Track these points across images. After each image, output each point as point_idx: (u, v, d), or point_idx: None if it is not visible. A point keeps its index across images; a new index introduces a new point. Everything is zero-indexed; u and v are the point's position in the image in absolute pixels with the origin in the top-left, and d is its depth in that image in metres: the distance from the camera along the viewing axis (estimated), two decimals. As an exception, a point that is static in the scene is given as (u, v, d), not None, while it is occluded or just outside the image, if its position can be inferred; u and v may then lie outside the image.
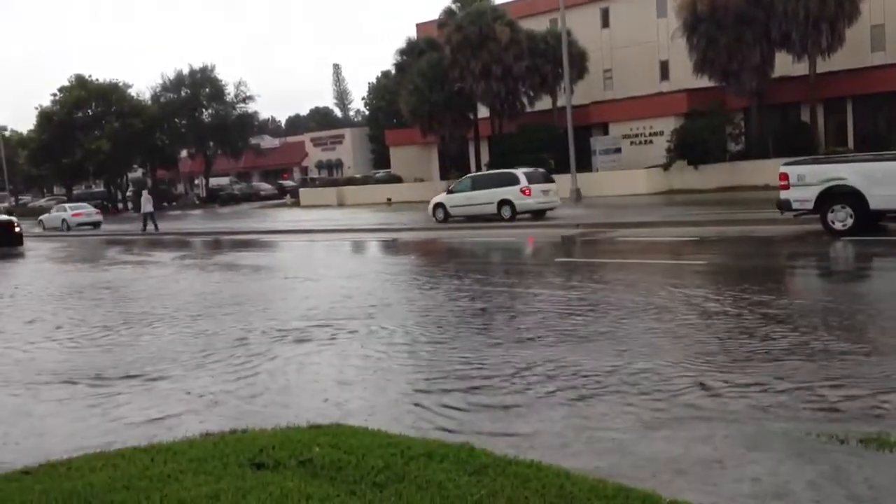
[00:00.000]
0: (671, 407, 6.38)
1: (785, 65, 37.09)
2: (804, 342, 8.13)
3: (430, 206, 29.13)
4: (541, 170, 29.36)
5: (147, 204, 37.54)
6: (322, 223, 33.48)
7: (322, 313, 11.58)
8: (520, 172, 27.37)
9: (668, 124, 39.79)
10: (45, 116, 63.28)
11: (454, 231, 26.07)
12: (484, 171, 36.39)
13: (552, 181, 28.45)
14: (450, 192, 29.21)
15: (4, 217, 32.53)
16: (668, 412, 6.27)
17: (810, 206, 16.88)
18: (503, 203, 26.68)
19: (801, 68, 36.83)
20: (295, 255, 22.97)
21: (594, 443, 5.72)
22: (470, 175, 32.21)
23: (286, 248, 25.13)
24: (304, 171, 77.77)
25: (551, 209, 27.52)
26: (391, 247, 23.54)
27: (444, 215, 28.30)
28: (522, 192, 26.52)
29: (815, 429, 5.65)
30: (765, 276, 13.02)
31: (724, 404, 6.36)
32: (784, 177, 17.31)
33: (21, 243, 29.86)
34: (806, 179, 16.88)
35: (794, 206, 17.15)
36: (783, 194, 17.36)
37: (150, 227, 36.52)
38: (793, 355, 7.66)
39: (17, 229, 29.78)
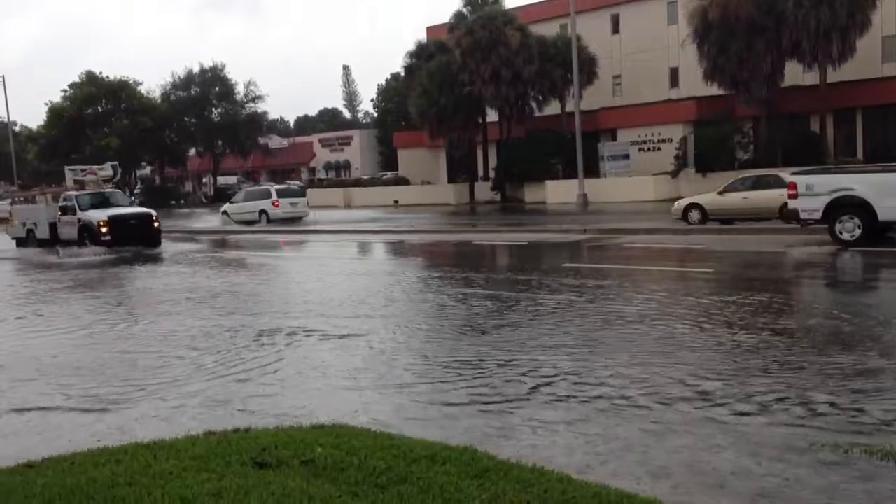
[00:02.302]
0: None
1: (795, 74, 36.98)
2: (806, 353, 8.10)
3: (220, 211, 37.61)
4: (294, 185, 39.18)
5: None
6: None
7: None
8: (273, 188, 36.49)
9: (677, 131, 39.72)
10: (55, 112, 63.49)
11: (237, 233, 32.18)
12: (253, 187, 43.17)
13: (302, 195, 37.06)
14: (231, 202, 37.80)
15: (141, 209, 27.45)
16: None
17: (818, 216, 16.84)
18: (261, 212, 34.81)
19: (812, 78, 36.72)
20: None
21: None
22: (245, 189, 41.08)
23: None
24: (312, 171, 77.87)
25: (300, 218, 34.86)
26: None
27: (228, 219, 36.58)
28: (273, 204, 34.57)
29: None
30: (771, 286, 12.96)
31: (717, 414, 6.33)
32: (793, 186, 17.27)
33: (159, 242, 25.53)
34: (814, 189, 16.84)
35: (802, 215, 17.11)
36: (791, 204, 17.32)
37: None
38: (794, 367, 7.63)
39: (155, 224, 25.68)
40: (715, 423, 6.14)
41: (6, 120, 67.19)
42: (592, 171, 38.79)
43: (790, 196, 17.32)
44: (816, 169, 19.67)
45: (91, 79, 64.44)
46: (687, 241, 20.35)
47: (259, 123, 69.05)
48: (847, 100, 36.84)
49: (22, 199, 32.76)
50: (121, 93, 63.99)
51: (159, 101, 66.18)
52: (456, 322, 10.77)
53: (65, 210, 26.12)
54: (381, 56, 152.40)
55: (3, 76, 56.94)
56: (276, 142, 78.27)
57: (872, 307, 10.94)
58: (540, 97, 44.06)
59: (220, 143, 68.04)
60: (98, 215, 25.01)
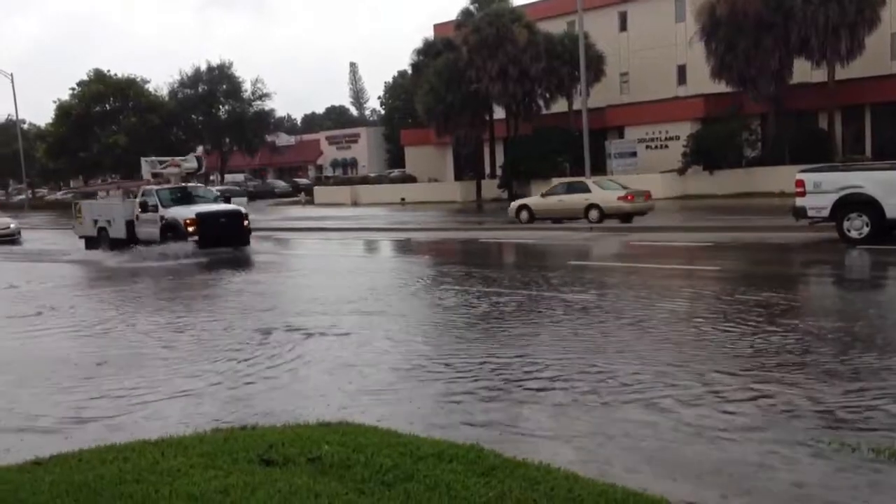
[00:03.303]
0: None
1: (803, 71, 36.84)
2: (819, 351, 8.08)
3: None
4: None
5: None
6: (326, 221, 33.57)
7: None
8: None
9: (685, 129, 39.62)
10: (63, 110, 63.65)
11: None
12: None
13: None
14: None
15: (230, 206, 24.39)
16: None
17: (826, 213, 16.78)
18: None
19: (820, 75, 36.57)
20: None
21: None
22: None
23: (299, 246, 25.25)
24: (319, 169, 77.93)
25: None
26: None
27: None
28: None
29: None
30: (779, 283, 12.92)
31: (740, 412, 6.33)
32: (800, 184, 17.21)
33: (248, 242, 22.98)
34: (822, 187, 16.78)
35: (810, 213, 17.05)
36: (799, 201, 17.26)
37: None
38: (811, 365, 7.62)
39: (245, 223, 22.92)
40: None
41: (15, 118, 67.40)
42: (600, 168, 38.71)
43: (798, 194, 17.26)
44: (824, 166, 19.60)
45: (99, 77, 64.59)
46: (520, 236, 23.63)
47: (266, 121, 69.08)
48: (856, 97, 36.69)
49: (88, 194, 29.88)
50: (129, 90, 64.11)
51: (167, 98, 66.28)
52: (453, 318, 10.79)
53: (145, 206, 23.01)
54: (388, 53, 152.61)
55: (12, 74, 56.81)
56: (283, 139, 78.32)
57: (883, 304, 10.91)
58: (547, 94, 44.02)
59: (227, 140, 68.13)
60: (184, 212, 22.14)
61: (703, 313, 10.40)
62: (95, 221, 25.14)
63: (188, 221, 21.76)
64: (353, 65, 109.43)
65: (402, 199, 48.70)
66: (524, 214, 26.56)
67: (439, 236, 25.83)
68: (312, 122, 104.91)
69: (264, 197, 64.94)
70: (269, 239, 28.05)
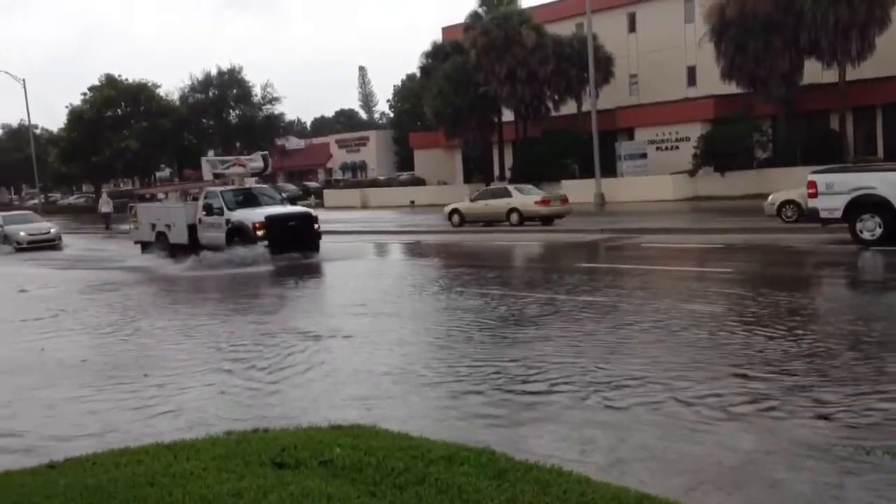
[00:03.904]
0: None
1: (814, 72, 36.67)
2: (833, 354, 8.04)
3: None
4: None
5: (105, 205, 41.83)
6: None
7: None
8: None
9: (695, 130, 39.50)
10: (75, 115, 64.00)
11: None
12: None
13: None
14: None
15: (299, 208, 23.29)
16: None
17: (839, 214, 16.69)
18: None
19: (831, 76, 36.39)
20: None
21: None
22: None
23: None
24: (329, 172, 78.06)
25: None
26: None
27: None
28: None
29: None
30: (791, 285, 12.87)
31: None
32: (812, 185, 17.12)
33: (318, 247, 21.40)
34: (834, 188, 16.69)
35: (822, 214, 16.97)
36: (811, 203, 17.18)
37: (110, 226, 39.89)
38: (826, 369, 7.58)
39: (316, 226, 21.45)
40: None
41: (27, 123, 67.81)
42: (609, 170, 38.67)
43: (810, 195, 17.18)
44: (836, 167, 19.50)
45: (110, 81, 64.92)
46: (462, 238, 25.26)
47: (276, 125, 69.30)
48: (867, 97, 36.50)
49: (147, 196, 27.89)
50: (140, 95, 64.40)
51: (178, 103, 66.58)
52: (463, 322, 10.80)
53: (209, 209, 21.42)
54: (397, 57, 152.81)
55: (24, 80, 57.20)
56: (293, 143, 78.53)
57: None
58: (556, 97, 43.99)
59: (238, 144, 68.37)
60: (251, 215, 20.62)
61: (718, 316, 10.36)
62: (153, 226, 23.58)
63: (257, 225, 20.22)
64: (362, 68, 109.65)
65: (412, 202, 48.73)
66: (455, 218, 28.58)
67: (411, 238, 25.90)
68: (322, 125, 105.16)
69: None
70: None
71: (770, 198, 22.59)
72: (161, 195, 25.86)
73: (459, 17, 52.23)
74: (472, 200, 28.82)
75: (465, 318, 11.18)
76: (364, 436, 5.82)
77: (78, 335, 11.88)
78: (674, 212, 29.97)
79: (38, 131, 73.63)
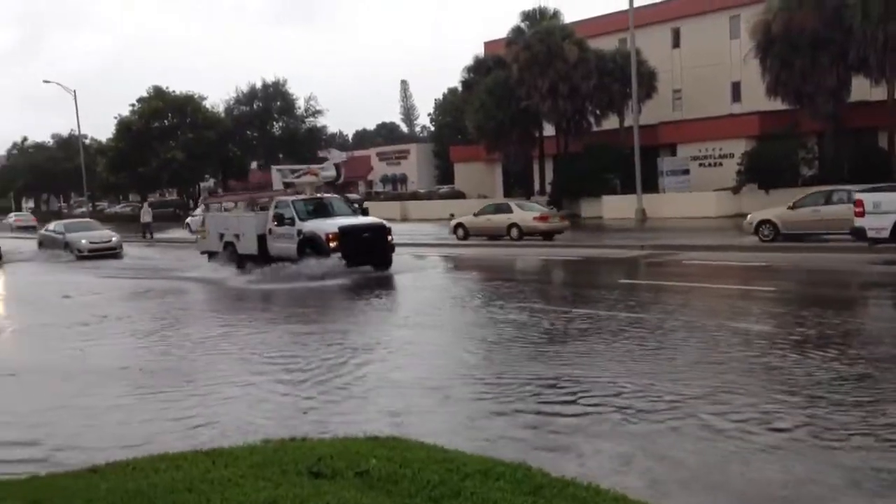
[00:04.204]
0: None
1: (862, 89, 36.01)
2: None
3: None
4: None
5: (146, 215, 42.77)
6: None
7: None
8: None
9: (739, 147, 39.00)
10: (123, 126, 65.32)
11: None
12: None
13: None
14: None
15: (372, 219, 21.77)
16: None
17: (886, 234, 16.38)
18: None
19: (880, 93, 35.68)
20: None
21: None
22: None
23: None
24: (370, 184, 78.54)
25: None
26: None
27: None
28: None
29: None
30: (837, 305, 12.61)
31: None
32: (859, 204, 16.83)
33: (391, 261, 20.53)
34: (882, 207, 16.39)
35: (869, 234, 16.66)
36: (858, 222, 16.89)
37: (149, 236, 41.37)
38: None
39: (390, 238, 20.51)
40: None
41: (77, 133, 69.39)
42: (651, 186, 38.33)
43: (857, 214, 16.87)
44: (884, 186, 19.12)
45: (158, 93, 66.19)
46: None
47: (318, 137, 70.00)
48: (917, 115, 35.69)
49: (215, 205, 27.08)
50: (186, 107, 65.54)
51: (223, 115, 67.62)
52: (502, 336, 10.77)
53: (280, 219, 20.61)
54: (439, 71, 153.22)
55: (75, 91, 58.44)
56: (334, 155, 79.12)
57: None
58: (598, 112, 43.79)
59: (280, 156, 69.20)
60: (324, 226, 19.84)
61: (761, 336, 10.20)
62: (221, 235, 22.78)
63: (330, 236, 19.39)
64: (404, 82, 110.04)
65: (451, 215, 48.69)
66: (460, 231, 29.93)
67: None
68: (363, 138, 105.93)
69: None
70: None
71: (749, 217, 23.69)
72: (228, 205, 25.11)
73: (502, 32, 52.37)
74: (475, 215, 29.99)
75: (507, 331, 11.17)
76: (400, 447, 5.82)
77: (160, 345, 12.08)
78: (716, 229, 29.59)
79: (87, 141, 75.22)
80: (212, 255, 23.36)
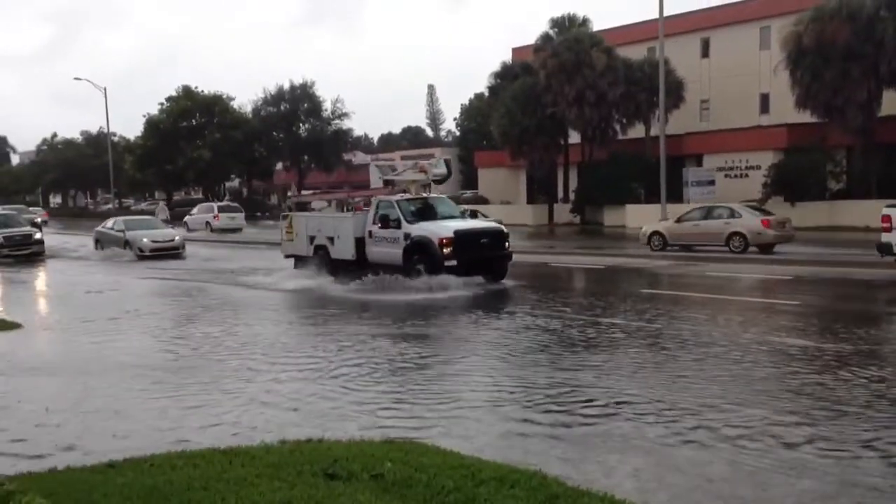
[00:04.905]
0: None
1: (893, 103, 35.58)
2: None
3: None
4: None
5: (162, 213, 43.68)
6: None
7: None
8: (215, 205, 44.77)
9: (766, 159, 38.65)
10: (152, 124, 66.05)
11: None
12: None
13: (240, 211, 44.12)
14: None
15: (489, 223, 19.98)
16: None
17: (915, 250, 16.14)
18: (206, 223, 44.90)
19: (912, 107, 35.29)
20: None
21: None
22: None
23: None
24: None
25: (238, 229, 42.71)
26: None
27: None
28: (214, 217, 44.80)
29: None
30: (860, 321, 12.44)
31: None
32: (886, 219, 16.61)
33: (507, 271, 18.39)
34: (910, 223, 16.15)
35: (896, 249, 16.42)
36: (885, 237, 16.66)
37: None
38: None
39: (507, 245, 18.32)
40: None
41: (106, 130, 70.22)
42: (676, 196, 38.07)
43: (884, 230, 16.65)
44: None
45: (187, 93, 66.85)
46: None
47: (344, 140, 70.30)
48: (949, 130, 35.21)
49: (301, 204, 24.72)
50: (214, 107, 66.15)
51: (250, 115, 68.15)
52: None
53: (385, 221, 18.21)
54: (466, 76, 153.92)
55: (105, 88, 59.13)
56: (360, 158, 79.53)
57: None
58: (624, 120, 43.60)
59: (306, 158, 69.56)
60: (437, 229, 17.59)
61: (785, 351, 10.09)
62: (312, 238, 20.24)
63: (444, 241, 17.16)
64: (430, 86, 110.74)
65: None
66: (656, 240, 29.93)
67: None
68: (389, 141, 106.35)
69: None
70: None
71: (643, 228, 26.55)
72: (317, 204, 22.75)
73: (530, 38, 52.21)
74: (677, 221, 27.84)
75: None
76: (415, 452, 5.82)
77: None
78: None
79: (115, 139, 76.09)
80: (299, 259, 20.81)
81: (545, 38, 46.88)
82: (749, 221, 23.83)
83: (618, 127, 43.99)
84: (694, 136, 43.27)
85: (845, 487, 5.43)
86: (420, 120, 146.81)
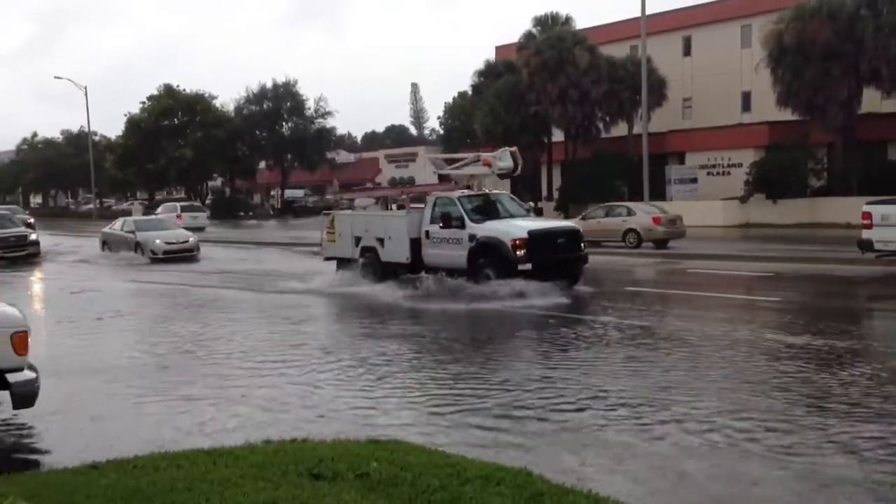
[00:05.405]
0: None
1: (873, 101, 35.89)
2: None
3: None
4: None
5: (136, 213, 43.00)
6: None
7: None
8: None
9: (748, 156, 38.90)
10: (133, 123, 65.54)
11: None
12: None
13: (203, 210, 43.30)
14: None
15: (564, 223, 19.24)
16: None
17: (894, 247, 16.30)
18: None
19: (891, 105, 35.56)
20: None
21: (655, 478, 5.57)
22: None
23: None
24: (377, 186, 78.67)
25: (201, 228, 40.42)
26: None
27: None
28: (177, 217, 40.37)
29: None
30: (841, 317, 12.55)
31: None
32: (867, 216, 16.76)
33: (581, 275, 16.70)
34: (890, 220, 16.31)
35: (877, 246, 16.58)
36: (865, 234, 16.81)
37: None
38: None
39: (583, 246, 16.78)
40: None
41: (87, 129, 69.63)
42: (659, 194, 38.24)
43: (864, 226, 16.80)
44: (892, 199, 19.02)
45: (169, 92, 66.41)
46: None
47: (327, 138, 70.08)
48: (928, 128, 35.58)
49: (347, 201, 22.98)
50: (196, 105, 65.71)
51: (232, 114, 67.81)
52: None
53: (446, 219, 16.48)
54: (449, 74, 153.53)
55: (86, 87, 58.71)
56: (343, 157, 79.35)
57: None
58: (607, 118, 43.73)
59: (289, 157, 69.31)
60: (507, 229, 15.95)
61: (759, 346, 10.17)
62: (358, 239, 18.40)
63: (518, 242, 15.43)
64: (414, 85, 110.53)
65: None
66: None
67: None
68: (372, 140, 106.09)
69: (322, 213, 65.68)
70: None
71: None
72: (361, 202, 20.69)
73: (513, 36, 52.33)
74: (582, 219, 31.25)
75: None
76: (401, 451, 5.81)
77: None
78: (722, 238, 29.53)
79: (96, 138, 75.44)
80: (342, 262, 18.88)
81: (528, 36, 46.96)
82: (642, 219, 25.82)
83: (601, 125, 44.09)
84: (676, 134, 43.49)
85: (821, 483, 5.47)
86: (404, 118, 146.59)
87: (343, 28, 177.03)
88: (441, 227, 16.50)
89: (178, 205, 48.61)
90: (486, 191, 17.90)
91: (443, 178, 18.52)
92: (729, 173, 40.44)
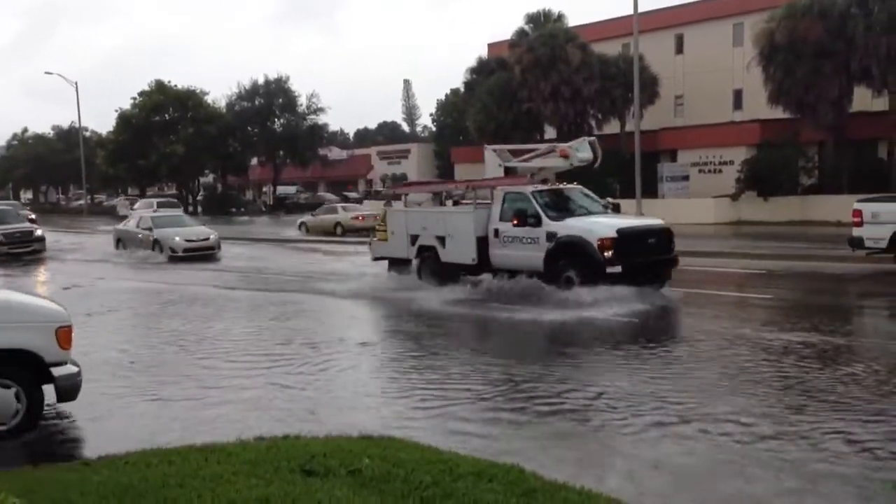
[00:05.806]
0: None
1: (864, 99, 36.03)
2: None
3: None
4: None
5: (123, 209, 41.78)
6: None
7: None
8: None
9: (739, 154, 39.00)
10: (124, 119, 65.20)
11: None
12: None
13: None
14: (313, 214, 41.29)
15: (651, 220, 16.39)
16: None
17: (884, 244, 16.38)
18: None
19: (881, 103, 35.71)
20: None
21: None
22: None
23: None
24: (369, 183, 78.50)
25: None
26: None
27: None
28: None
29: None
30: (832, 315, 12.61)
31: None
32: (857, 214, 16.84)
33: (668, 279, 15.14)
34: (880, 218, 16.39)
35: (867, 244, 16.66)
36: (856, 231, 16.88)
37: None
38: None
39: (673, 246, 15.18)
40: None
41: (78, 125, 69.26)
42: (650, 192, 38.31)
43: (855, 224, 16.88)
44: (883, 197, 19.14)
45: (160, 87, 66.10)
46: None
47: (319, 135, 69.91)
48: (918, 127, 35.71)
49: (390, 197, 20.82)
50: (187, 101, 65.43)
51: (224, 110, 67.56)
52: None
53: (521, 216, 14.94)
54: (442, 71, 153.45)
55: (77, 82, 58.42)
56: (335, 153, 79.15)
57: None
58: (599, 116, 43.82)
59: (281, 153, 69.14)
60: (593, 227, 14.40)
61: (749, 343, 10.20)
62: (414, 238, 16.88)
63: (606, 242, 13.89)
64: (406, 81, 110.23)
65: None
66: (303, 228, 38.24)
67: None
68: (365, 137, 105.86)
69: (314, 209, 65.57)
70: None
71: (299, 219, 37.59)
72: (415, 197, 18.55)
73: (506, 34, 52.37)
74: (313, 215, 39.13)
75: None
76: (393, 447, 5.82)
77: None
78: (713, 235, 29.60)
79: (87, 134, 75.05)
80: (394, 262, 17.57)
81: (520, 33, 46.98)
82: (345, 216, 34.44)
83: (593, 122, 44.17)
84: (668, 132, 43.57)
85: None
86: (396, 115, 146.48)
87: (336, 25, 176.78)
88: (517, 225, 14.94)
89: (154, 201, 49.15)
90: (560, 185, 16.46)
91: (508, 172, 17.02)
92: (720, 171, 40.54)
